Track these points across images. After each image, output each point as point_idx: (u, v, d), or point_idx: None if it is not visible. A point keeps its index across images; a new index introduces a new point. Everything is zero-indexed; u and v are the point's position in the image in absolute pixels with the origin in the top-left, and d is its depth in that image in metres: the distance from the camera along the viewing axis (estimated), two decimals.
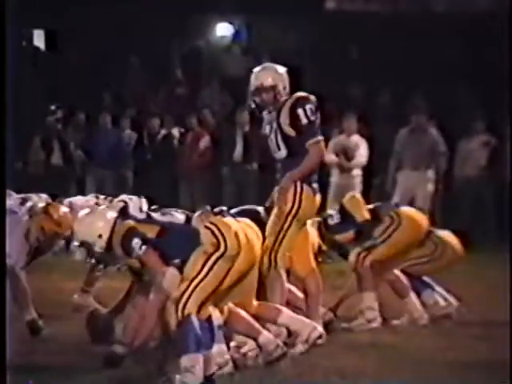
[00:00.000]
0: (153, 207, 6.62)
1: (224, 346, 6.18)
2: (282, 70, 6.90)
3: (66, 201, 7.90)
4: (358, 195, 8.15)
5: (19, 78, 15.38)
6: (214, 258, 5.99)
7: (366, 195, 11.82)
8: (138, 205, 7.79)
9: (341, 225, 7.70)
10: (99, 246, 6.18)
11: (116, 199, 8.13)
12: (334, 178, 12.44)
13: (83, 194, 12.52)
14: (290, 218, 6.72)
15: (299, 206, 6.72)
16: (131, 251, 6.07)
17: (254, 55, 16.04)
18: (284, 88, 6.77)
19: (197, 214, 6.33)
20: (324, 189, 11.40)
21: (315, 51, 16.32)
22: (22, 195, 8.03)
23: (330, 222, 7.68)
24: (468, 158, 13.09)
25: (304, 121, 6.66)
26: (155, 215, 6.34)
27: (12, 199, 7.95)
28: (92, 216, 6.34)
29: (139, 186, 13.21)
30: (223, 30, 17.44)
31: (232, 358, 6.18)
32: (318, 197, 6.89)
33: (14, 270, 7.49)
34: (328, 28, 16.69)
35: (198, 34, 17.47)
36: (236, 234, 6.11)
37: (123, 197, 8.10)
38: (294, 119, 6.68)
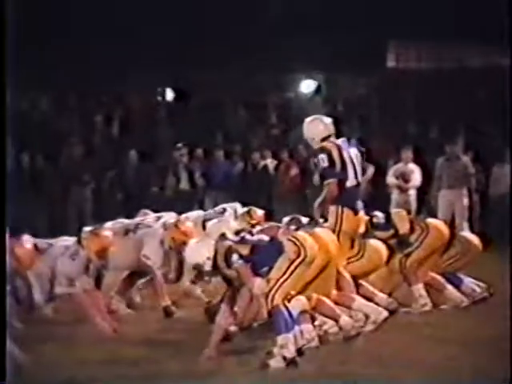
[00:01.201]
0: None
1: (310, 326, 6.15)
2: (327, 121, 6.99)
3: (184, 216, 7.99)
4: (404, 212, 8.01)
5: (154, 126, 15.74)
6: (296, 262, 6.00)
7: (419, 209, 11.90)
8: (234, 215, 7.91)
9: (383, 225, 7.58)
10: (208, 266, 6.18)
11: (219, 207, 8.39)
12: (395, 195, 12.31)
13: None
14: (336, 234, 6.70)
15: (341, 223, 6.78)
16: (231, 264, 6.09)
17: (330, 104, 16.09)
18: (313, 139, 6.92)
19: (281, 229, 6.35)
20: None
21: (379, 100, 16.24)
22: (158, 214, 8.23)
23: (375, 220, 7.53)
24: (499, 179, 12.92)
25: (319, 166, 6.83)
26: (247, 237, 6.31)
27: (150, 217, 8.17)
28: (200, 244, 6.35)
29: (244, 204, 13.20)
30: (308, 85, 17.43)
31: (317, 335, 6.15)
32: (361, 214, 6.94)
33: (153, 269, 7.68)
34: (388, 80, 16.62)
35: (289, 89, 17.52)
36: (312, 243, 6.10)
37: (226, 205, 8.37)
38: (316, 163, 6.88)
